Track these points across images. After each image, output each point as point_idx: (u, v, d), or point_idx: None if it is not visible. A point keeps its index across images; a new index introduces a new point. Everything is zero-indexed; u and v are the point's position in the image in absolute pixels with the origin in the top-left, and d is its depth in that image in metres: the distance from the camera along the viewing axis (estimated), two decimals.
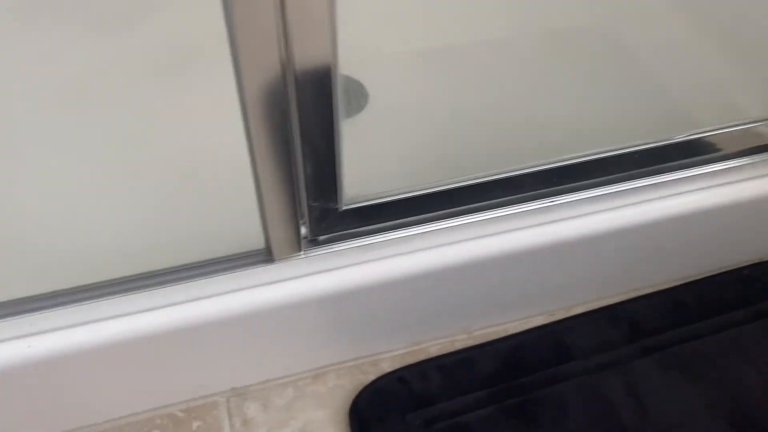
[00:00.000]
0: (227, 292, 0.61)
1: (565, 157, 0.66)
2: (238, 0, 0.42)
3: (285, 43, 0.46)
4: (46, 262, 0.64)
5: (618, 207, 0.69)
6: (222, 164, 0.70)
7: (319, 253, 0.62)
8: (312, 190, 0.58)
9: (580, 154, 0.67)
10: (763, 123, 0.72)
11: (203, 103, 0.80)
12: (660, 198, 0.69)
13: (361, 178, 0.61)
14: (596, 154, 0.67)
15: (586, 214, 0.69)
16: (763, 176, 0.72)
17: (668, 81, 0.84)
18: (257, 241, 0.62)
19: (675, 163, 0.69)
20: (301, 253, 0.62)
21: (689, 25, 0.87)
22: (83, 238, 0.67)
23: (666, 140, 0.68)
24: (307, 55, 0.48)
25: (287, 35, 0.45)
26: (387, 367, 0.72)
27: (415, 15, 0.91)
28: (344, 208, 0.60)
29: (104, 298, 0.59)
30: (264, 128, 0.51)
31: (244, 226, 0.62)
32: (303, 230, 0.62)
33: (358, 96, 0.95)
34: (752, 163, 0.72)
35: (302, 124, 0.52)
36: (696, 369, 0.70)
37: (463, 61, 0.89)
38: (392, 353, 0.73)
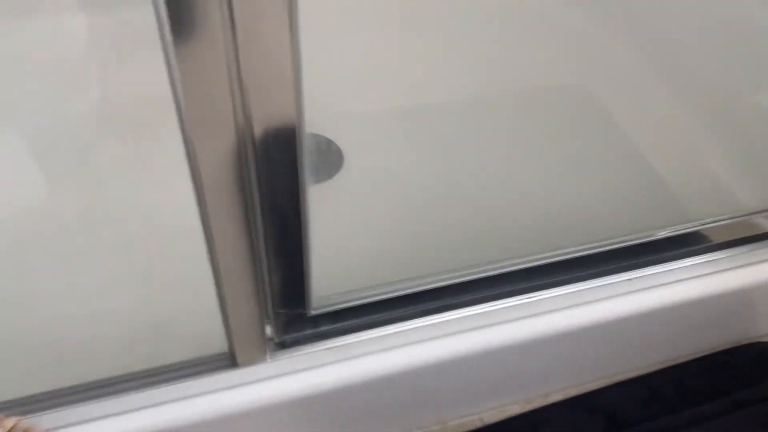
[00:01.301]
0: (190, 397, 0.58)
1: (545, 255, 0.65)
2: (183, 57, 0.38)
3: (241, 102, 0.41)
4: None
5: (595, 301, 0.67)
6: (180, 256, 0.67)
7: (285, 357, 0.60)
8: (278, 296, 0.55)
9: (558, 252, 0.65)
10: (759, 214, 0.71)
11: (157, 174, 0.77)
12: (638, 291, 0.68)
13: (332, 270, 0.58)
14: (575, 252, 0.65)
15: (562, 308, 0.67)
16: (743, 266, 0.71)
17: (656, 164, 0.83)
18: (220, 344, 0.59)
19: (656, 256, 0.68)
20: (267, 356, 0.59)
21: (681, 106, 0.86)
22: (47, 333, 0.63)
23: (649, 237, 0.66)
24: (267, 116, 0.43)
25: (243, 93, 0.41)
26: None
27: (392, 71, 0.89)
28: (313, 313, 0.58)
29: (62, 408, 0.56)
30: (222, 207, 0.46)
31: (205, 326, 0.59)
32: (268, 331, 0.59)
33: (331, 155, 0.92)
34: (732, 255, 0.71)
35: (264, 198, 0.47)
36: None
37: (441, 121, 0.86)
38: None
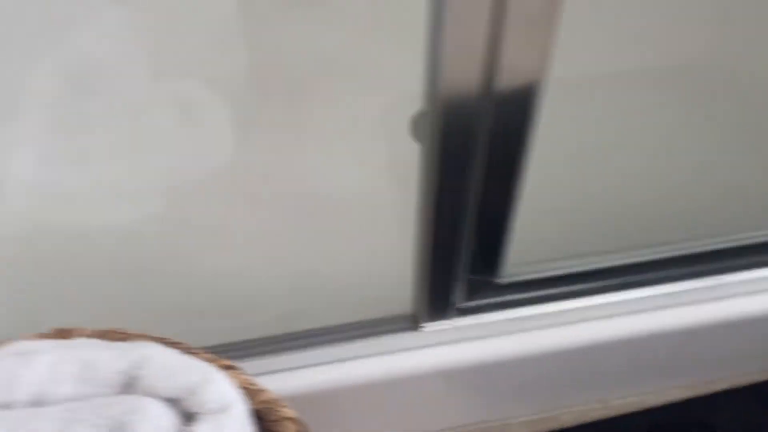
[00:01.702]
0: (370, 356, 0.59)
1: (733, 237, 0.61)
2: None
3: (493, 50, 0.41)
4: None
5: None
6: (376, 216, 0.68)
7: (467, 323, 0.60)
8: (473, 262, 0.55)
9: (746, 235, 0.62)
10: None
11: (317, 138, 0.77)
12: None
13: (526, 238, 0.57)
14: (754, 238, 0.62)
15: (747, 294, 0.64)
16: None
17: None
18: (403, 306, 0.60)
19: None
20: (449, 321, 0.59)
21: None
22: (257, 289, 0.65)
23: None
24: (515, 69, 0.42)
25: (499, 40, 0.40)
26: (517, 429, 0.69)
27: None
28: (502, 282, 0.57)
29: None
30: (442, 159, 0.47)
31: (392, 287, 0.60)
32: (454, 296, 0.59)
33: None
34: None
35: (491, 156, 0.47)
36: None
37: (633, 93, 0.83)
38: (521, 419, 0.70)
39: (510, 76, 0.43)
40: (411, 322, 0.60)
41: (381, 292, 0.61)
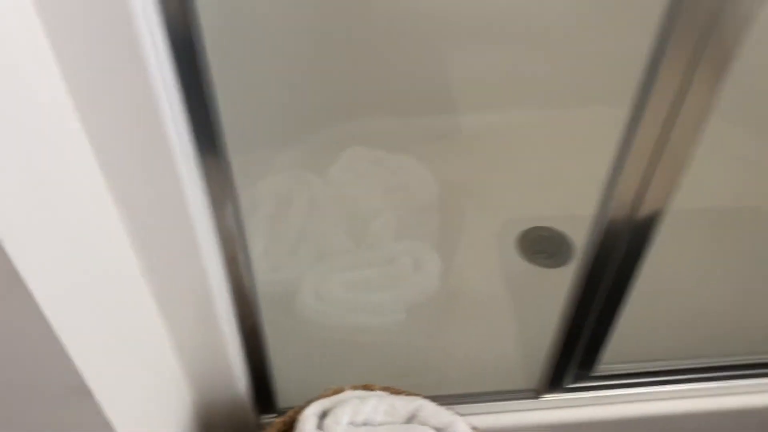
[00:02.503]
0: (512, 412, 0.96)
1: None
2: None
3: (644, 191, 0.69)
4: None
5: None
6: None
7: (566, 396, 0.96)
8: (580, 358, 0.92)
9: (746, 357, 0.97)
10: None
11: None
12: None
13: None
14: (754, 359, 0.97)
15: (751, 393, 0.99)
16: None
17: None
18: (529, 382, 0.97)
19: None
20: (557, 395, 0.96)
21: None
22: None
23: None
24: (650, 205, 0.69)
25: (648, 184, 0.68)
26: None
27: None
28: (595, 374, 0.94)
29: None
30: (590, 274, 0.79)
31: (523, 368, 0.96)
32: (563, 381, 0.96)
33: (567, 248, 1.28)
34: None
35: (618, 272, 0.79)
36: None
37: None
38: None
39: (646, 209, 0.72)
40: (534, 393, 0.97)
41: (523, 368, 0.97)
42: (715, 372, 0.97)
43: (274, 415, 0.91)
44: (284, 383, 0.88)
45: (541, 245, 1.31)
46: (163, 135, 0.53)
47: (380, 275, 0.94)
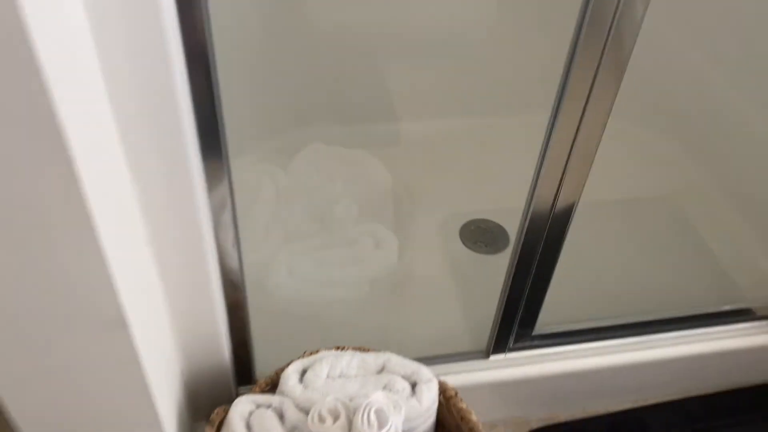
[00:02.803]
0: (461, 372, 1.08)
1: (662, 312, 1.13)
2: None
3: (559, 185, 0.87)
4: None
5: (686, 342, 1.15)
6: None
7: (514, 355, 1.10)
8: (522, 321, 1.05)
9: (657, 314, 1.14)
10: None
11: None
12: (707, 340, 1.16)
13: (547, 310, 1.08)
14: (665, 315, 1.14)
15: (666, 346, 1.15)
16: None
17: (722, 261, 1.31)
18: (480, 344, 1.09)
19: (727, 318, 1.16)
20: (504, 354, 1.09)
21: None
22: None
23: (715, 309, 1.14)
24: (567, 196, 0.87)
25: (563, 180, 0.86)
26: (534, 424, 1.18)
27: None
28: (534, 333, 1.08)
29: None
30: (522, 254, 0.96)
31: (476, 333, 1.09)
32: (510, 341, 1.09)
33: (503, 237, 1.43)
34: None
35: (544, 252, 0.97)
36: None
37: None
38: (537, 417, 1.19)
39: (564, 201, 0.92)
40: (484, 354, 1.10)
41: (471, 335, 1.10)
42: (633, 329, 1.13)
43: (253, 386, 1.00)
44: (262, 354, 0.97)
45: (481, 235, 1.45)
46: (179, 130, 0.63)
47: (345, 254, 1.05)
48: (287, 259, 1.01)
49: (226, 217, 0.81)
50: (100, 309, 0.56)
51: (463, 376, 1.08)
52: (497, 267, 0.99)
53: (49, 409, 0.64)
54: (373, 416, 0.75)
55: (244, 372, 0.99)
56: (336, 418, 0.78)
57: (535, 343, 1.10)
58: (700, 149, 1.52)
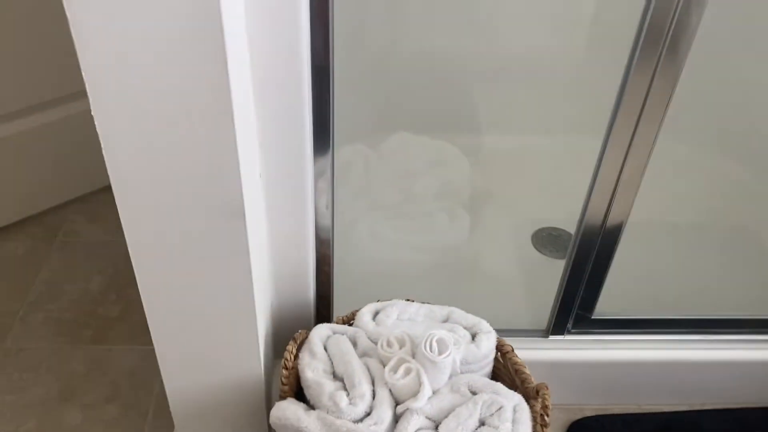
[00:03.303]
0: (523, 349, 1.16)
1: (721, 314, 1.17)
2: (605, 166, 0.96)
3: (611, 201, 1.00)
4: None
5: (749, 348, 1.18)
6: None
7: (573, 337, 1.16)
8: (581, 303, 1.12)
9: (715, 313, 1.17)
10: None
11: None
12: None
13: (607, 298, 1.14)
14: (722, 315, 1.17)
15: (730, 348, 1.18)
16: None
17: None
18: (541, 323, 1.17)
19: None
20: (564, 336, 1.16)
21: None
22: None
23: None
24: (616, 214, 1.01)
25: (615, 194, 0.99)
26: (588, 412, 1.23)
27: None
28: (594, 317, 1.14)
29: None
30: (577, 257, 1.05)
31: (537, 314, 1.17)
32: (569, 322, 1.16)
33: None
34: None
35: (597, 260, 1.06)
36: None
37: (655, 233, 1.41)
38: (591, 406, 1.24)
39: (612, 218, 1.02)
40: (544, 333, 1.17)
41: (534, 317, 1.18)
42: (695, 326, 1.17)
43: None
44: (340, 301, 1.09)
45: (552, 242, 1.53)
46: (302, 120, 0.80)
47: (421, 223, 1.16)
48: (371, 223, 1.13)
49: (324, 184, 0.94)
50: (227, 199, 0.69)
51: (522, 353, 1.14)
52: (561, 265, 1.08)
53: (174, 287, 0.78)
54: (435, 344, 0.85)
55: (323, 314, 1.10)
56: (402, 345, 0.88)
57: (595, 328, 1.16)
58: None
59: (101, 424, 1.16)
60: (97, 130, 0.64)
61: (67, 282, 1.43)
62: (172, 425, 0.99)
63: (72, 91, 1.50)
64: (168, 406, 0.95)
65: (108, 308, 1.37)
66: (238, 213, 0.70)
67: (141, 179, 0.68)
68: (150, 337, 0.85)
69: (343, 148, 1.01)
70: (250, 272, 0.76)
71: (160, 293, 0.79)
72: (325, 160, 0.92)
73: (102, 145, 0.66)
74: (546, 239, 1.51)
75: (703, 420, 1.22)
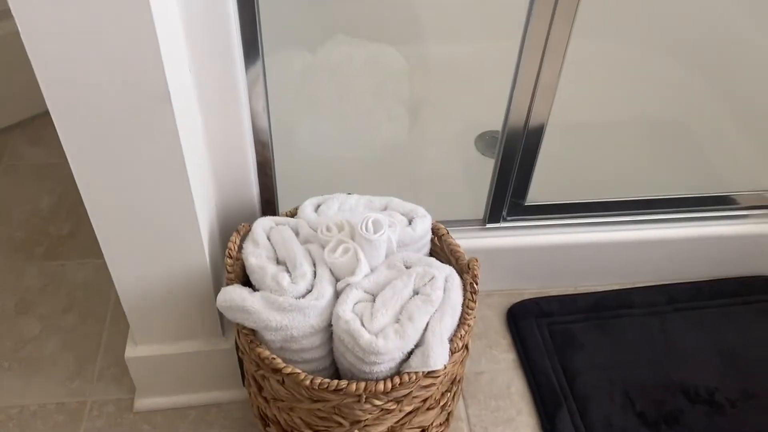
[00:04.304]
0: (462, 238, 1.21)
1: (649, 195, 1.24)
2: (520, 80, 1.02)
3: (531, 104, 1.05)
4: None
5: (674, 226, 1.26)
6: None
7: (508, 224, 1.22)
8: (513, 192, 1.18)
9: (644, 194, 1.24)
10: None
11: None
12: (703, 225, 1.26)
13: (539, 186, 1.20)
14: (651, 196, 1.24)
15: (655, 228, 1.26)
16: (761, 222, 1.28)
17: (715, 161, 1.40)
18: (478, 213, 1.22)
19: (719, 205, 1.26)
20: (500, 223, 1.22)
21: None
22: None
23: (701, 194, 1.25)
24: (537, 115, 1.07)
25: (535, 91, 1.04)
26: (527, 295, 1.31)
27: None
28: (527, 204, 1.20)
29: None
30: (505, 152, 1.10)
31: (474, 206, 1.22)
32: (504, 211, 1.21)
33: None
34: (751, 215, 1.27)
35: (524, 152, 1.11)
36: (703, 323, 1.25)
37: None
38: (529, 290, 1.32)
39: (535, 115, 1.06)
40: (482, 222, 1.23)
41: (472, 209, 1.23)
42: (622, 206, 1.24)
43: None
44: (284, 198, 1.12)
45: (494, 144, 1.58)
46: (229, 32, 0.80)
47: (360, 122, 1.19)
48: (310, 123, 1.16)
49: (259, 88, 0.96)
50: (150, 83, 0.71)
51: (463, 242, 1.20)
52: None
53: (110, 179, 0.80)
54: (371, 225, 0.89)
55: (269, 212, 1.14)
56: (341, 229, 0.92)
57: (529, 214, 1.22)
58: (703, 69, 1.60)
59: (60, 332, 1.20)
60: (20, 29, 0.65)
61: (16, 204, 1.43)
62: (127, 328, 1.04)
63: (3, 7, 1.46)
64: (124, 312, 0.99)
65: (59, 226, 1.38)
66: (163, 96, 0.72)
67: (67, 78, 0.69)
68: (99, 250, 0.87)
69: (281, 51, 1.02)
70: (182, 158, 0.78)
71: (101, 193, 0.81)
72: (257, 64, 0.93)
73: (26, 46, 0.67)
74: (489, 141, 1.56)
75: (633, 296, 1.31)
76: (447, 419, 1.02)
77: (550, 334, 1.23)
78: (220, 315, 1.03)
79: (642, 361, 1.20)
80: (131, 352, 1.02)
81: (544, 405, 1.13)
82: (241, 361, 1.08)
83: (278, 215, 1.13)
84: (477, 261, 0.94)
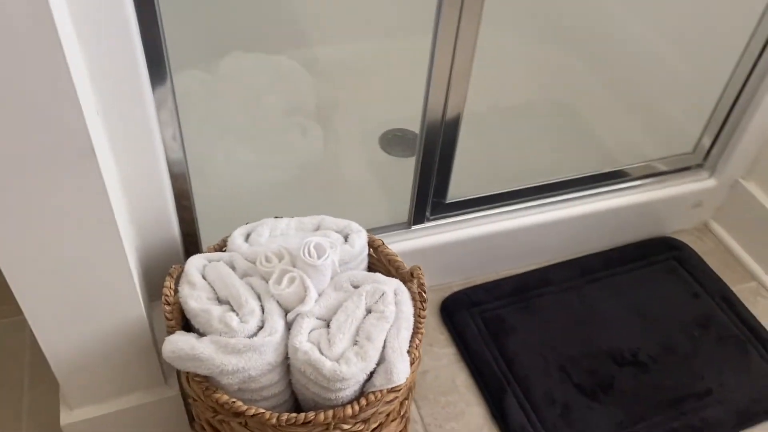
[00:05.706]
0: (395, 242, 1.23)
1: (560, 176, 1.31)
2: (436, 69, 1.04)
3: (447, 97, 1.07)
4: None
5: (578, 204, 1.34)
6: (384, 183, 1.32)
7: (433, 223, 1.25)
8: (434, 192, 1.21)
9: (548, 178, 1.32)
10: (658, 160, 1.38)
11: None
12: (595, 200, 1.35)
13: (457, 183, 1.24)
14: (554, 179, 1.32)
15: (562, 208, 1.34)
16: (648, 190, 1.39)
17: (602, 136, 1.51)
18: (402, 216, 1.24)
19: (611, 180, 1.35)
20: (425, 223, 1.25)
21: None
22: None
23: (596, 171, 1.34)
24: (453, 107, 1.09)
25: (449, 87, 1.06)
26: (456, 288, 1.35)
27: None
28: (448, 201, 1.23)
29: None
30: (425, 149, 1.12)
31: (397, 208, 1.24)
32: (427, 211, 1.24)
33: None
34: (642, 183, 1.39)
35: (443, 152, 1.14)
36: (616, 289, 1.36)
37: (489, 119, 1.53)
38: (457, 282, 1.36)
39: (451, 110, 1.09)
40: (407, 224, 1.25)
41: (395, 212, 1.25)
42: (531, 193, 1.31)
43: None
44: (207, 232, 1.08)
45: (398, 143, 1.60)
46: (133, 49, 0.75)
47: (275, 141, 1.17)
48: (224, 149, 1.12)
49: (167, 115, 0.91)
50: (73, 140, 0.66)
51: (392, 246, 1.22)
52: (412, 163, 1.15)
53: (28, 247, 0.73)
54: (312, 250, 0.88)
55: (192, 250, 1.09)
56: (281, 258, 0.90)
57: (450, 211, 1.26)
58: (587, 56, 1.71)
59: None
60: None
61: None
62: (52, 389, 0.96)
63: None
64: (45, 372, 0.91)
65: None
66: (87, 151, 0.67)
67: None
68: (5, 309, 0.80)
69: (177, 76, 0.98)
70: (110, 209, 0.74)
71: (23, 256, 0.75)
72: (165, 89, 0.89)
73: None
74: (392, 140, 1.58)
75: (550, 274, 1.39)
76: (405, 426, 1.04)
77: (483, 322, 1.28)
78: (161, 362, 0.98)
79: (569, 334, 1.28)
80: (67, 418, 0.95)
81: (490, 393, 1.18)
82: (187, 405, 1.03)
83: (202, 249, 1.09)
84: (420, 268, 0.96)
